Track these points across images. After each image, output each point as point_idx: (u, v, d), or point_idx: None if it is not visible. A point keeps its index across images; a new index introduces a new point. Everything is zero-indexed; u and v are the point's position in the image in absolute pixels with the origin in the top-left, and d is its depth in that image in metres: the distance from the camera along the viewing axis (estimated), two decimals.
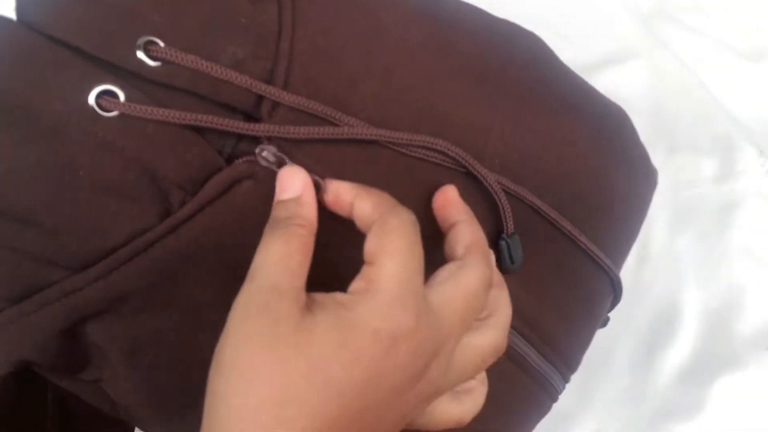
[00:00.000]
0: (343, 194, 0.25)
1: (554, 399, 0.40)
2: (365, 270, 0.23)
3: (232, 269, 0.25)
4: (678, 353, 0.56)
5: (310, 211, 0.25)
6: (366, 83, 0.28)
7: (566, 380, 0.40)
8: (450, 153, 0.29)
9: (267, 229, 0.24)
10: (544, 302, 0.35)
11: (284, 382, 0.21)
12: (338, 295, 0.23)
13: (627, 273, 0.61)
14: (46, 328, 0.26)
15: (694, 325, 0.58)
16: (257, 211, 0.25)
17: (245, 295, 0.22)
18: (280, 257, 0.23)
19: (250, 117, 0.26)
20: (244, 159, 0.26)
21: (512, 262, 0.32)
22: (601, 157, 0.37)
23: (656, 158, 0.67)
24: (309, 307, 0.22)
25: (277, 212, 0.25)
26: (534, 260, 0.33)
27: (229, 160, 0.26)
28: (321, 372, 0.21)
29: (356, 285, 0.23)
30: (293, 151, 0.26)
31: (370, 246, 0.23)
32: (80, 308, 0.25)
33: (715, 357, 0.56)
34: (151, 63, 0.24)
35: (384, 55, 0.29)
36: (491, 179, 0.30)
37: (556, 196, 0.33)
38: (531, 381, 0.36)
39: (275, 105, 0.26)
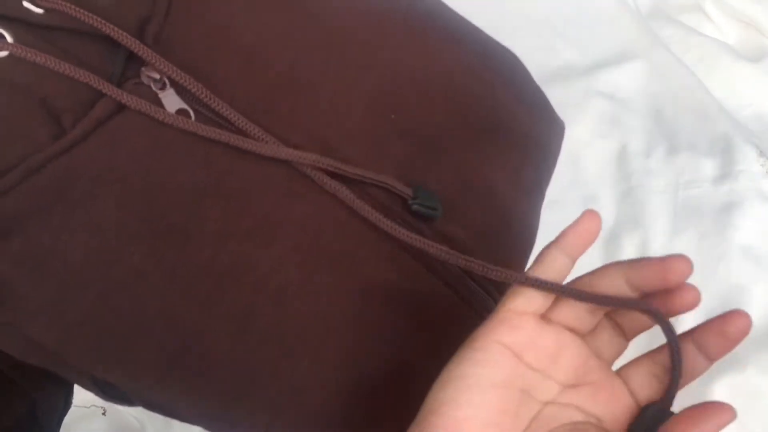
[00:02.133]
0: None
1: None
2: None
3: (129, 188, 0.27)
4: None
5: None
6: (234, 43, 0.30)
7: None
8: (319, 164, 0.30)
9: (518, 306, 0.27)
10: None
11: None
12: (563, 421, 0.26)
13: None
14: None
15: (694, 325, 0.58)
16: (148, 132, 0.28)
17: (467, 362, 0.25)
18: (525, 329, 0.26)
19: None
20: (133, 81, 0.28)
21: (435, 210, 0.32)
22: (490, 85, 0.38)
23: (656, 158, 0.67)
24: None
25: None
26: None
27: (118, 84, 0.28)
28: None
29: (580, 416, 0.26)
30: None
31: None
32: None
33: None
34: (36, 10, 0.27)
35: (256, 21, 0.31)
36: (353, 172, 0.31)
37: (442, 122, 0.35)
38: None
39: (156, 39, 0.28)
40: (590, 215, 0.29)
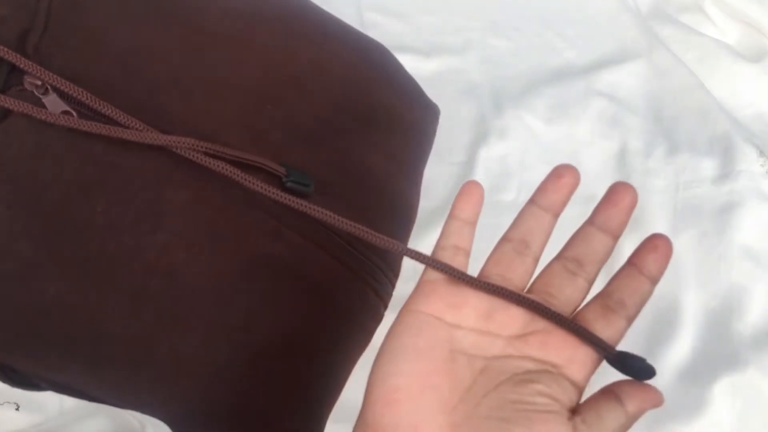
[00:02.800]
0: None
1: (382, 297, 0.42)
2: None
3: (18, 188, 0.29)
4: (678, 353, 0.56)
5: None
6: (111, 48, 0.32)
7: (391, 281, 0.42)
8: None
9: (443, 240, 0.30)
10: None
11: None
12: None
13: None
14: None
15: (694, 325, 0.58)
16: (34, 134, 0.30)
17: (401, 329, 0.27)
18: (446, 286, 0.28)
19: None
20: (16, 88, 0.30)
21: (307, 186, 0.34)
22: (365, 76, 0.41)
23: (656, 158, 0.67)
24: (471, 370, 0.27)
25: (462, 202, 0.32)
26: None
27: (2, 92, 0.30)
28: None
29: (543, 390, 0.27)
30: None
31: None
32: None
33: (715, 357, 0.56)
34: None
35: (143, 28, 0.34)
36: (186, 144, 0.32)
37: (320, 112, 0.37)
38: (362, 284, 0.38)
39: (35, 50, 0.30)
40: (470, 185, 0.32)
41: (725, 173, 0.64)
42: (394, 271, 0.42)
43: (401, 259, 0.43)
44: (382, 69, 0.44)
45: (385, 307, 0.42)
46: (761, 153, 0.65)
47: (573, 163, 0.70)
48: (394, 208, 0.42)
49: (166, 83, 0.33)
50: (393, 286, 0.42)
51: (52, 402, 0.55)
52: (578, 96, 0.71)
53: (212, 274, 0.33)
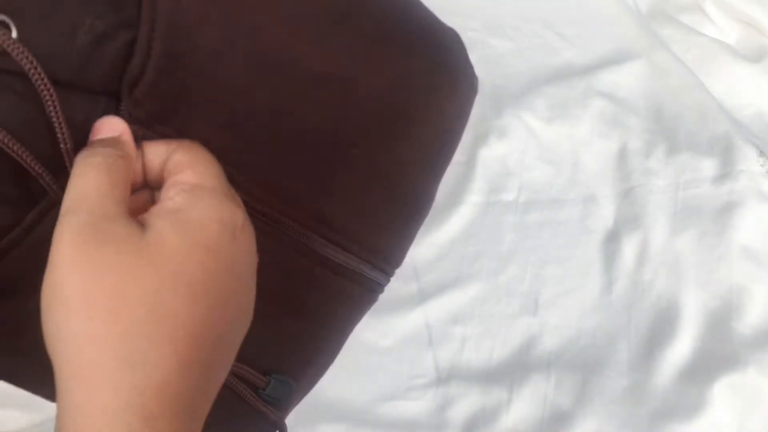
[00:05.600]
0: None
1: (374, 289, 0.41)
2: (179, 177, 0.24)
3: None
4: (678, 353, 0.56)
5: (131, 148, 0.24)
6: (231, 51, 0.28)
7: (387, 273, 0.41)
8: None
9: (81, 160, 0.23)
10: (337, 200, 0.36)
11: (152, 301, 0.20)
12: (167, 204, 0.23)
13: (626, 273, 0.61)
14: None
15: (694, 325, 0.58)
16: None
17: (73, 225, 0.21)
18: (104, 187, 0.22)
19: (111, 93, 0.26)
20: None
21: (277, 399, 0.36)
22: (435, 93, 0.39)
23: (656, 158, 0.67)
24: (144, 224, 0.22)
25: (93, 146, 0.24)
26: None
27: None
28: (182, 278, 0.21)
29: (176, 191, 0.23)
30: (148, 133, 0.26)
31: (177, 159, 0.24)
32: None
33: (715, 357, 0.56)
34: None
35: (250, 16, 0.29)
36: None
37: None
38: (341, 278, 0.37)
39: (134, 84, 0.25)
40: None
41: (725, 173, 0.64)
42: (388, 258, 0.41)
43: (399, 243, 0.42)
44: (453, 76, 0.43)
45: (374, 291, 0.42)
46: (761, 153, 0.65)
47: (573, 163, 0.71)
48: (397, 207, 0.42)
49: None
50: (391, 275, 0.42)
51: (51, 402, 0.55)
52: (578, 96, 0.71)
53: None
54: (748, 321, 0.57)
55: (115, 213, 0.22)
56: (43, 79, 0.22)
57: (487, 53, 0.74)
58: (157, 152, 0.25)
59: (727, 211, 0.62)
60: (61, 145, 0.24)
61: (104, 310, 0.20)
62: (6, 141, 0.22)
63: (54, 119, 0.23)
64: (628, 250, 0.62)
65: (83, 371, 0.21)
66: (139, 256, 0.21)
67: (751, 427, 0.54)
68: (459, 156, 0.67)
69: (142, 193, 0.25)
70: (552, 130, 0.69)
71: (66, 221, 0.21)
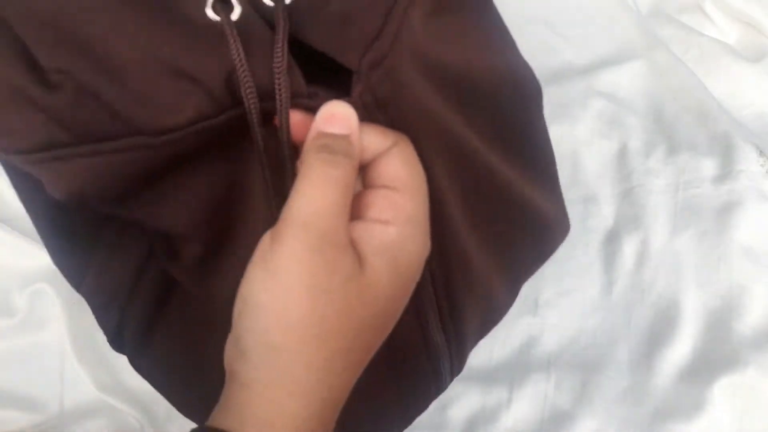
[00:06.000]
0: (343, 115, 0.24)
1: (440, 390, 0.41)
2: (396, 198, 0.23)
3: None
4: (678, 353, 0.56)
5: (358, 152, 0.23)
6: None
7: (453, 374, 0.41)
8: None
9: (320, 167, 0.22)
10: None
11: (354, 336, 0.22)
12: (383, 235, 0.22)
13: (627, 273, 0.61)
14: (114, 171, 0.25)
15: (694, 325, 0.58)
16: None
17: (304, 245, 0.21)
18: (337, 205, 0.21)
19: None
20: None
21: None
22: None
23: (656, 158, 0.67)
24: (361, 256, 0.22)
25: (330, 147, 0.22)
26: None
27: None
28: (384, 317, 0.23)
29: (391, 214, 0.23)
30: None
31: (395, 169, 0.23)
32: (148, 164, 0.25)
33: (715, 357, 0.56)
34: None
35: None
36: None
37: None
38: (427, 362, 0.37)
39: (375, 64, 0.25)
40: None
41: (725, 173, 0.64)
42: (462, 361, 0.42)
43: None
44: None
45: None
46: (761, 153, 0.65)
47: (573, 163, 0.71)
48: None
49: None
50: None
51: (52, 402, 0.55)
52: (578, 96, 0.71)
53: None
54: (748, 321, 0.57)
55: (345, 243, 0.22)
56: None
57: None
58: (373, 141, 0.24)
59: (727, 211, 0.62)
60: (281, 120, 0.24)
61: (316, 337, 0.21)
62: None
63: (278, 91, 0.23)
64: (628, 250, 0.62)
65: (283, 381, 0.22)
66: (358, 293, 0.22)
67: (751, 427, 0.54)
68: None
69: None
70: (552, 130, 0.68)
71: (302, 236, 0.21)
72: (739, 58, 0.73)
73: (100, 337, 0.59)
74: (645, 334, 0.58)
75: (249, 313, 0.22)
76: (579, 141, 0.68)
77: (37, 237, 0.61)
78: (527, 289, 0.62)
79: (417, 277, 0.24)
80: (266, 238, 0.22)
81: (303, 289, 0.21)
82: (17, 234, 0.59)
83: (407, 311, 0.27)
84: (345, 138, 0.23)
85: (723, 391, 0.54)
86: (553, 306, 0.60)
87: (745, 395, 0.54)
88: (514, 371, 0.57)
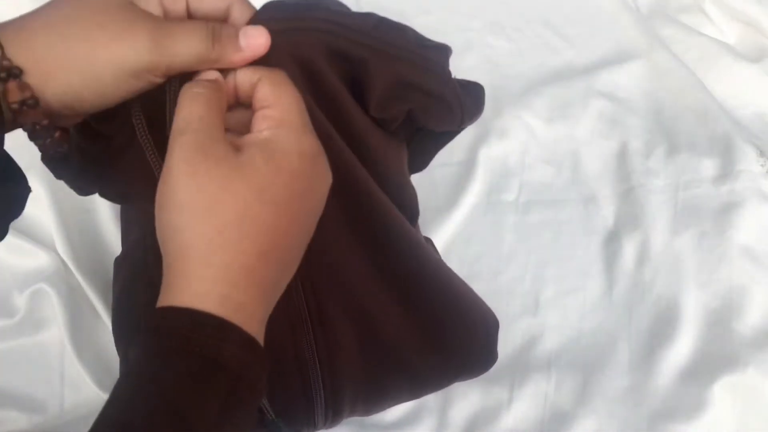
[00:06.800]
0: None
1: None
2: (267, 112, 0.29)
3: None
4: (678, 353, 0.56)
5: (223, 85, 0.30)
6: None
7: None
8: None
9: (187, 90, 0.29)
10: None
11: (241, 206, 0.26)
12: (257, 135, 0.28)
13: (627, 273, 0.61)
14: None
15: (694, 325, 0.58)
16: None
17: (183, 143, 0.27)
18: (206, 113, 0.28)
19: None
20: None
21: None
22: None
23: (656, 158, 0.67)
24: (238, 148, 0.28)
25: (195, 82, 0.30)
26: None
27: None
28: (268, 193, 0.27)
29: (264, 124, 0.28)
30: None
31: (264, 93, 0.29)
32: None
33: (715, 357, 0.56)
34: None
35: None
36: None
37: None
38: None
39: None
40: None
41: (725, 173, 0.64)
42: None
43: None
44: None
45: None
46: (761, 153, 0.65)
47: (573, 163, 0.71)
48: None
49: None
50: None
51: (52, 402, 0.55)
52: (578, 96, 0.71)
53: None
54: (748, 321, 0.57)
55: (216, 136, 0.27)
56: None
57: (487, 53, 0.74)
58: (246, 78, 0.30)
59: (727, 211, 0.62)
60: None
61: (205, 209, 0.26)
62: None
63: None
64: (629, 250, 0.62)
65: (186, 252, 0.26)
66: (234, 171, 0.26)
67: (751, 427, 0.54)
68: (459, 156, 0.68)
69: (237, 110, 0.31)
70: (552, 130, 0.69)
71: (178, 139, 0.27)
72: (739, 58, 0.73)
73: (100, 337, 0.59)
74: (645, 334, 0.58)
75: (156, 215, 0.27)
76: (579, 141, 0.68)
77: (37, 237, 0.62)
78: (528, 288, 0.62)
79: (306, 167, 0.28)
80: None
81: (183, 174, 0.26)
82: (17, 234, 0.59)
83: (279, 320, 0.32)
84: (208, 78, 0.30)
85: (723, 391, 0.54)
86: (554, 306, 0.60)
87: (745, 395, 0.54)
88: (515, 371, 0.57)
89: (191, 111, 0.28)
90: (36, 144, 0.31)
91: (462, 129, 0.42)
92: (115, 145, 0.35)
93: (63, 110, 0.29)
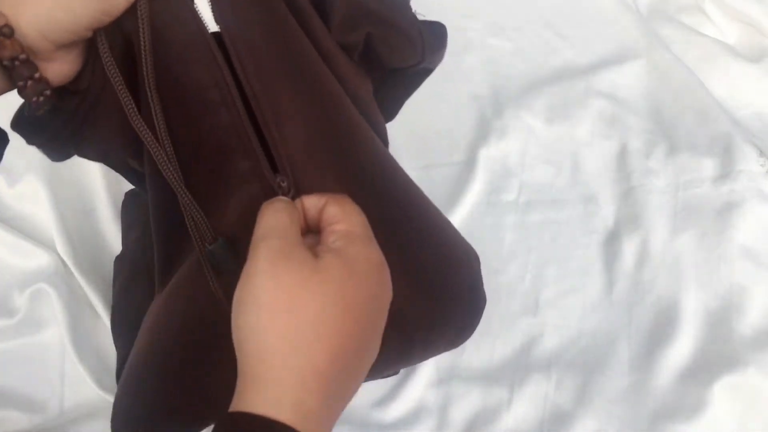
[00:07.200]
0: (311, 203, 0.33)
1: None
2: (336, 227, 0.31)
3: None
4: (678, 353, 0.56)
5: (296, 205, 0.33)
6: None
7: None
8: None
9: (268, 205, 0.31)
10: None
11: (319, 307, 0.28)
12: (330, 244, 0.30)
13: (627, 273, 0.61)
14: None
15: (694, 325, 0.58)
16: None
17: (266, 247, 0.29)
18: (288, 224, 0.30)
19: None
20: None
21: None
22: None
23: (656, 158, 0.67)
24: (315, 255, 0.29)
25: (270, 201, 0.32)
26: None
27: None
28: (341, 297, 0.28)
29: (335, 237, 0.31)
30: None
31: (332, 212, 0.31)
32: None
33: (715, 357, 0.56)
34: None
35: None
36: None
37: None
38: None
39: None
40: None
41: (725, 173, 0.64)
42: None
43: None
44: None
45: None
46: (761, 153, 0.65)
47: (573, 163, 0.71)
48: None
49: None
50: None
51: (52, 402, 0.55)
52: (578, 96, 0.71)
53: None
54: (748, 321, 0.57)
55: (297, 241, 0.29)
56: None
57: (487, 53, 0.74)
58: (313, 203, 0.33)
59: (727, 211, 0.62)
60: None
61: (285, 310, 0.27)
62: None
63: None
64: (629, 250, 0.62)
65: (264, 355, 0.27)
66: (313, 275, 0.28)
67: (751, 427, 0.54)
68: (459, 156, 0.68)
69: (307, 237, 0.33)
70: (552, 130, 0.69)
71: (263, 244, 0.29)
72: (739, 58, 0.73)
73: (100, 337, 0.59)
74: (645, 334, 0.58)
75: (236, 312, 0.28)
76: (579, 141, 0.68)
77: (37, 237, 0.62)
78: (528, 288, 0.62)
79: (372, 274, 0.30)
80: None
81: (266, 275, 0.28)
82: (17, 234, 0.59)
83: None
84: (282, 199, 0.33)
85: (723, 391, 0.54)
86: (554, 306, 0.60)
87: (745, 395, 0.54)
88: (515, 371, 0.57)
89: (274, 220, 0.30)
90: (18, 86, 0.32)
91: (428, 67, 0.43)
92: (88, 99, 0.35)
93: (39, 41, 0.30)
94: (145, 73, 0.33)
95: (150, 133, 0.34)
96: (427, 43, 0.40)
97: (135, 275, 0.50)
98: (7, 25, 0.29)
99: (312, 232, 0.33)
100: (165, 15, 0.34)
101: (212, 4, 0.34)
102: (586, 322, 0.59)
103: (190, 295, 0.39)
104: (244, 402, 0.27)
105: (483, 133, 0.68)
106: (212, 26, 0.34)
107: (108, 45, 0.33)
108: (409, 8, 0.40)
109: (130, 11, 0.32)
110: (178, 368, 0.40)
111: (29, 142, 0.37)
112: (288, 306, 0.27)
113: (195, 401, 0.40)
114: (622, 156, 0.67)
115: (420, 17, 0.41)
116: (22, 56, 0.30)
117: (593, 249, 0.62)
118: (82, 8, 0.31)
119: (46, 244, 0.60)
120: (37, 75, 0.32)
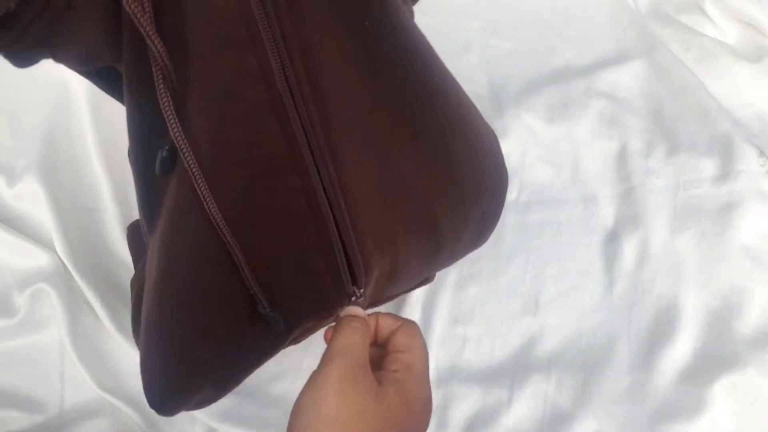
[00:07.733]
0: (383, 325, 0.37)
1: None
2: (400, 356, 0.35)
3: None
4: (678, 353, 0.56)
5: (369, 325, 0.37)
6: None
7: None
8: None
9: (348, 323, 0.35)
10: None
11: (376, 426, 0.31)
12: (393, 374, 0.34)
13: (627, 273, 0.61)
14: None
15: (694, 325, 0.58)
16: None
17: (341, 365, 0.32)
18: (360, 344, 0.34)
19: None
20: None
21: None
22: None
23: (656, 158, 0.67)
24: (378, 381, 0.33)
25: (347, 317, 0.37)
26: None
27: None
28: (395, 422, 0.32)
29: (397, 365, 0.34)
30: None
31: (401, 340, 0.35)
32: None
33: (715, 357, 0.56)
34: None
35: None
36: None
37: None
38: None
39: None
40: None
41: (725, 173, 0.64)
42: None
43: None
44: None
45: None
46: (761, 153, 0.65)
47: (573, 163, 0.71)
48: None
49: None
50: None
51: (52, 402, 0.55)
52: (578, 96, 0.71)
53: None
54: (748, 321, 0.57)
55: (366, 364, 0.33)
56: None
57: (487, 53, 0.75)
58: (387, 323, 0.37)
59: (727, 211, 0.62)
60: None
61: (344, 425, 0.31)
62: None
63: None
64: (628, 250, 0.62)
65: None
66: (374, 403, 0.32)
67: (751, 427, 0.54)
68: None
69: (372, 347, 0.37)
70: (552, 130, 0.69)
71: (337, 361, 0.33)
72: (739, 58, 0.73)
73: (100, 337, 0.59)
74: (645, 334, 0.58)
75: (296, 413, 0.32)
76: (579, 141, 0.68)
77: (37, 237, 0.62)
78: (528, 288, 0.62)
79: (421, 410, 0.34)
80: (317, 368, 0.33)
81: (335, 391, 0.31)
82: (17, 234, 0.59)
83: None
84: (359, 313, 0.37)
85: (723, 391, 0.54)
86: (554, 306, 0.60)
87: (745, 395, 0.54)
88: (515, 371, 0.57)
89: (351, 339, 0.34)
90: None
91: None
92: None
93: None
94: None
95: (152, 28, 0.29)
96: None
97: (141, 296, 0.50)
98: None
99: (377, 345, 0.37)
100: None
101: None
102: (586, 322, 0.59)
103: (186, 234, 0.36)
104: None
105: None
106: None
107: None
108: None
109: None
110: (189, 316, 0.38)
111: None
112: (347, 422, 0.31)
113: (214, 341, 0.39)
114: (622, 156, 0.67)
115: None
116: None
117: (593, 249, 0.62)
118: None
119: (46, 244, 0.60)
120: None
